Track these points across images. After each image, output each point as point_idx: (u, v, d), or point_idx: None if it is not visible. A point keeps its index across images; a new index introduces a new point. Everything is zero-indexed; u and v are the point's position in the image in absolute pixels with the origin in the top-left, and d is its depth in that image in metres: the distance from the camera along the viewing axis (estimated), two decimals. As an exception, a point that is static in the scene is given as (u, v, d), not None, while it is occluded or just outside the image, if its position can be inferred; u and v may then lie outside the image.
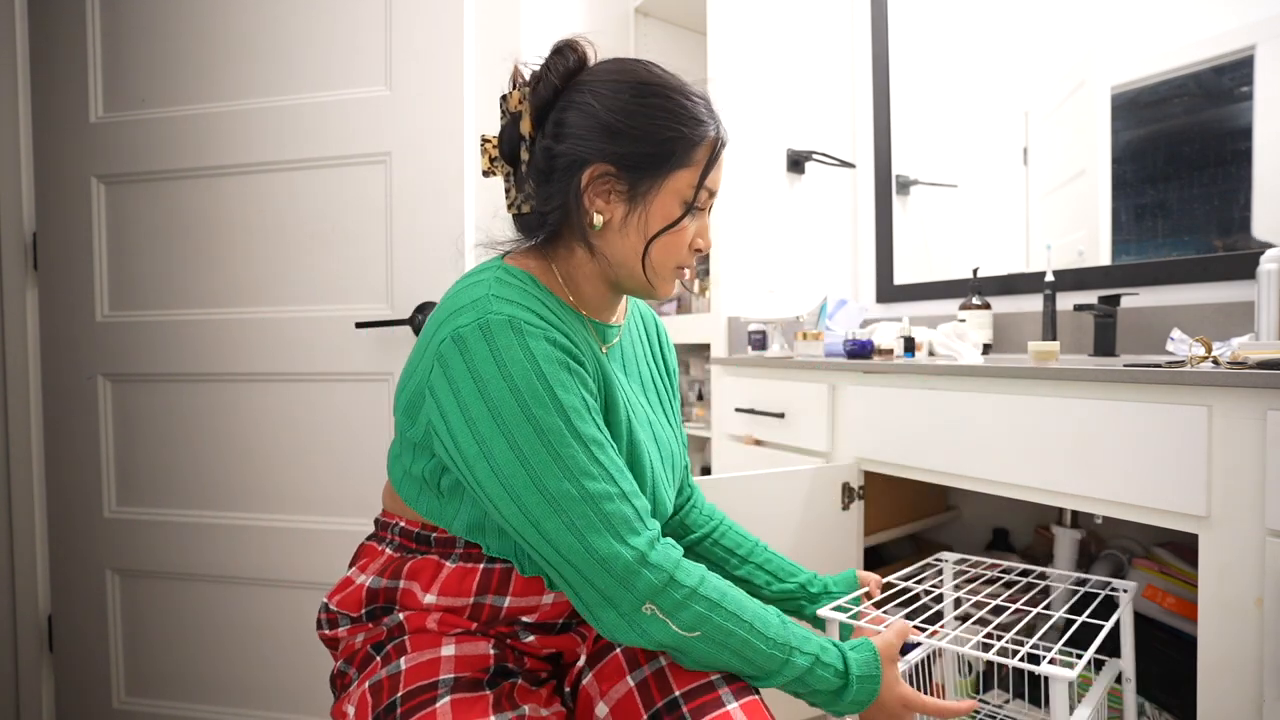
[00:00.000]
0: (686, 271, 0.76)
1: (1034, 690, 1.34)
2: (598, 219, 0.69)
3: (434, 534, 0.73)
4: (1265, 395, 0.77)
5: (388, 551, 0.75)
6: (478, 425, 0.61)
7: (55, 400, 1.50)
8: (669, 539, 0.66)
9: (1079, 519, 1.35)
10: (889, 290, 1.92)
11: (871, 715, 0.68)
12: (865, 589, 0.91)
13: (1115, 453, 0.90)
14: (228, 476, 1.42)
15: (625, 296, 0.82)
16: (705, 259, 2.01)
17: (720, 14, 1.79)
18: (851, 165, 1.97)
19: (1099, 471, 0.92)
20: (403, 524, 0.74)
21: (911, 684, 0.89)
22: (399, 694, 0.65)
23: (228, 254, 1.41)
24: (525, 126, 0.70)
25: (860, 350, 1.35)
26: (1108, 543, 1.35)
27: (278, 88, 1.38)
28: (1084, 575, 1.33)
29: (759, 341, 1.69)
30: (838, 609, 0.86)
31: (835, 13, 2.00)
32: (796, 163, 1.92)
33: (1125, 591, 0.94)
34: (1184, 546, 1.21)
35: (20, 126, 1.49)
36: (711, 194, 0.73)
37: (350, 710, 0.68)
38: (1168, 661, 1.06)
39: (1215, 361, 0.91)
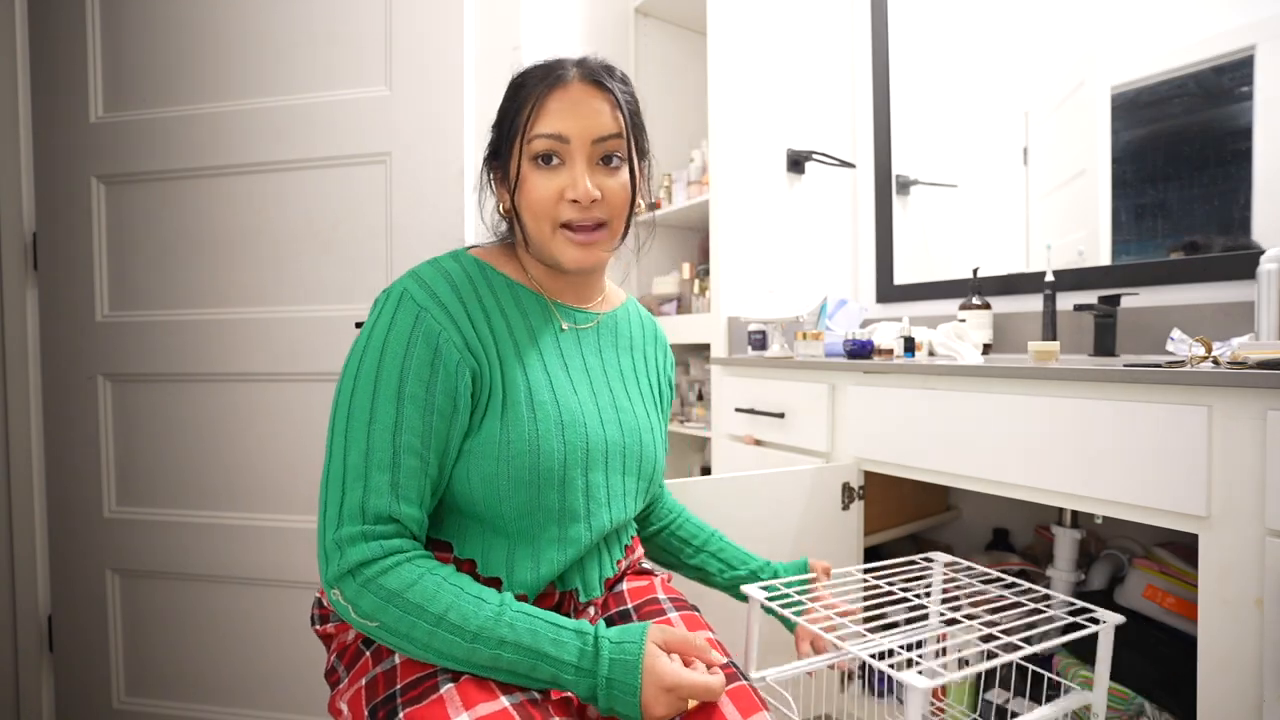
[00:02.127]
0: (575, 232, 0.72)
1: (1034, 690, 1.34)
2: (501, 206, 0.77)
3: (459, 560, 0.73)
4: (1265, 395, 0.77)
5: None
6: (342, 369, 0.69)
7: (55, 400, 1.50)
8: (403, 542, 0.64)
9: (1079, 519, 1.35)
10: (889, 290, 1.92)
11: (647, 702, 0.63)
12: (812, 575, 0.93)
13: (1115, 453, 0.90)
14: (228, 476, 1.42)
15: (607, 285, 0.87)
16: (705, 259, 2.01)
17: (720, 14, 1.79)
18: (851, 165, 1.97)
19: (1099, 471, 0.92)
20: None
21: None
22: (398, 685, 0.65)
23: (228, 254, 1.41)
24: None
25: (860, 350, 1.35)
26: (1108, 543, 1.35)
27: (278, 88, 1.38)
28: (1078, 594, 1.33)
29: (759, 341, 1.69)
30: (770, 592, 0.86)
31: (835, 13, 2.00)
32: (796, 163, 1.92)
33: (1105, 623, 0.86)
34: (1184, 546, 1.21)
35: (20, 126, 1.49)
36: (557, 139, 0.70)
37: (344, 707, 0.68)
38: (1168, 661, 1.06)
39: (1215, 361, 0.91)
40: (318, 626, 0.77)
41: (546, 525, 0.71)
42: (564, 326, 0.78)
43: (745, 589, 0.85)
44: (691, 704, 0.64)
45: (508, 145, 0.74)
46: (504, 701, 0.62)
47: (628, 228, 0.79)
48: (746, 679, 0.71)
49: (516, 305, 0.75)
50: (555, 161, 0.71)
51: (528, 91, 0.73)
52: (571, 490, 0.72)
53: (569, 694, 0.65)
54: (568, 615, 0.76)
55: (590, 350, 0.80)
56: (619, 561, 0.82)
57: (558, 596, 0.75)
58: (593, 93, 0.72)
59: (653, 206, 0.90)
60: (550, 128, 0.71)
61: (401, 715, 0.62)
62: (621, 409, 0.79)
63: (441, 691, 0.62)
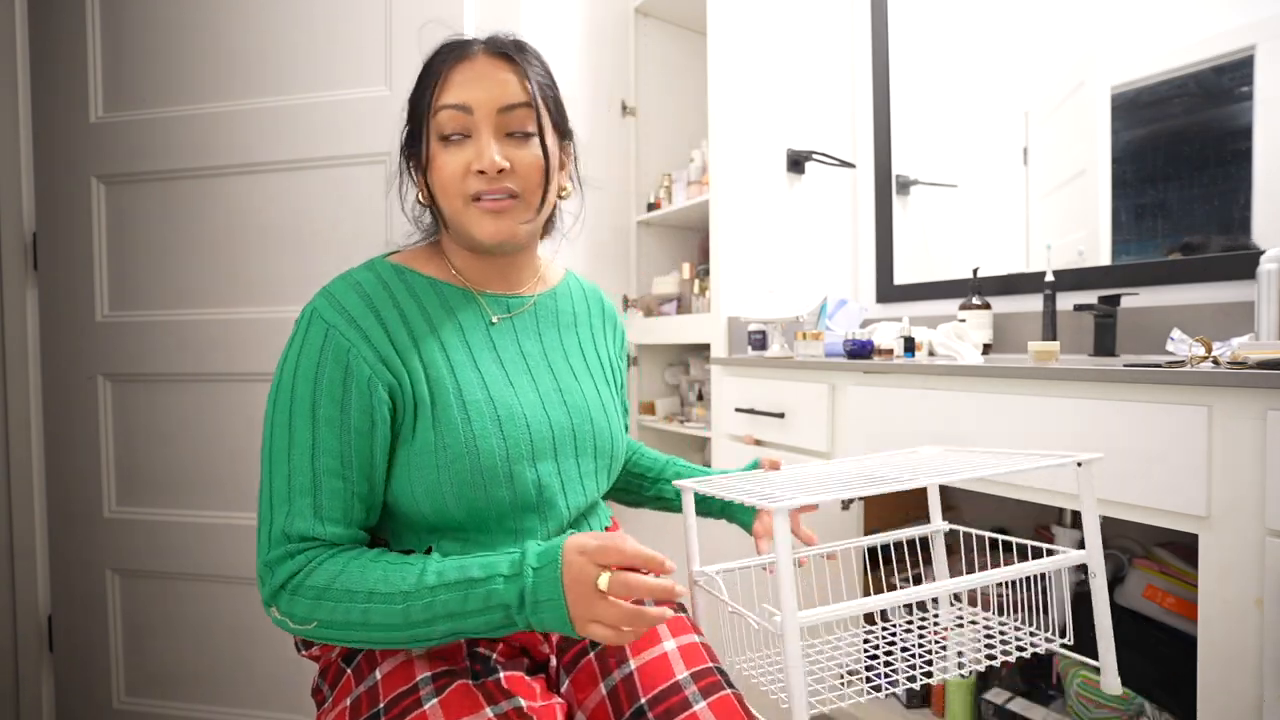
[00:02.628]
0: (485, 200, 0.70)
1: (1034, 689, 1.34)
2: (420, 196, 0.75)
3: (378, 542, 0.74)
4: (1265, 395, 0.77)
5: None
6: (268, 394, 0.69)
7: (55, 400, 1.50)
8: (316, 544, 0.64)
9: (1079, 519, 1.35)
10: (889, 290, 1.92)
11: (579, 608, 0.58)
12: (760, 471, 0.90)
13: (1115, 453, 0.90)
14: (228, 476, 1.42)
15: (541, 264, 0.83)
16: (705, 259, 2.01)
17: (720, 14, 1.79)
18: (851, 165, 1.97)
19: (1099, 471, 0.92)
20: None
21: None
22: (380, 704, 0.64)
23: (228, 254, 1.41)
24: None
25: (860, 350, 1.35)
26: (1108, 543, 1.35)
27: (278, 87, 1.38)
28: (1078, 594, 1.33)
29: (759, 341, 1.69)
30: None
31: (835, 13, 2.00)
32: (796, 163, 1.92)
33: (1081, 463, 0.72)
34: (1184, 546, 1.21)
35: (20, 126, 1.49)
36: (461, 109, 0.69)
37: None
38: (1168, 661, 1.06)
39: (1215, 361, 0.91)
40: (303, 652, 0.77)
41: (502, 520, 0.70)
42: (494, 320, 0.75)
43: (678, 482, 0.78)
44: (605, 581, 0.57)
45: (418, 129, 0.72)
46: (488, 713, 0.62)
47: (549, 208, 0.75)
48: (731, 687, 0.71)
49: (441, 304, 0.73)
50: (459, 138, 0.69)
51: (429, 73, 0.72)
52: (521, 484, 0.70)
53: (548, 704, 0.65)
54: None
55: (528, 336, 0.78)
56: None
57: None
58: (499, 64, 0.71)
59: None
60: (454, 98, 0.69)
61: None
62: (567, 391, 0.77)
63: (425, 708, 0.62)
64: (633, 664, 0.72)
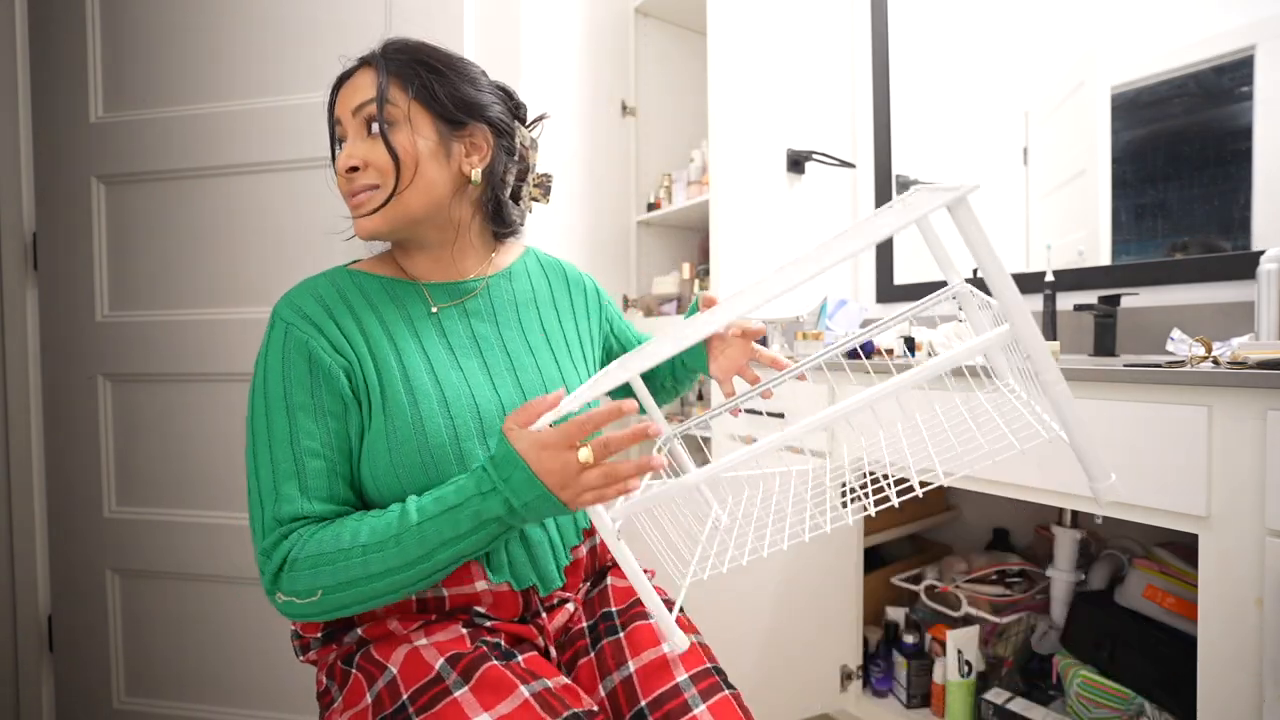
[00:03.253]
0: (352, 198, 0.74)
1: (1034, 689, 1.34)
2: None
3: None
4: (1265, 395, 0.77)
5: None
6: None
7: (55, 400, 1.50)
8: (303, 523, 0.66)
9: (1079, 519, 1.35)
10: (889, 290, 1.92)
11: (569, 491, 0.59)
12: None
13: (1115, 453, 0.90)
14: (228, 476, 1.42)
15: (487, 249, 0.83)
16: (705, 259, 2.01)
17: (720, 14, 1.79)
18: (851, 165, 1.97)
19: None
20: None
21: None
22: (404, 696, 0.64)
23: (228, 254, 1.41)
24: None
25: (860, 350, 1.35)
26: (1108, 543, 1.35)
27: (278, 88, 1.38)
28: (1078, 594, 1.33)
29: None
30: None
31: (835, 13, 2.00)
32: (796, 163, 1.91)
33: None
34: (1184, 546, 1.21)
35: (20, 126, 1.49)
36: (336, 122, 0.75)
37: None
38: (1168, 661, 1.07)
39: (1215, 361, 0.91)
40: (301, 657, 0.77)
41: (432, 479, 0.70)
42: (434, 309, 0.77)
43: (613, 373, 0.74)
44: (586, 454, 0.57)
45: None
46: (524, 692, 0.62)
47: (418, 193, 0.73)
48: (730, 688, 0.72)
49: (391, 300, 0.76)
50: (342, 141, 0.75)
51: (333, 88, 0.77)
52: (472, 461, 0.71)
53: (567, 683, 0.65)
54: (538, 621, 0.75)
55: (480, 318, 0.79)
56: (575, 548, 0.79)
57: (520, 599, 0.73)
58: (365, 70, 0.74)
59: (524, 177, 0.84)
60: (340, 109, 0.74)
61: None
62: (521, 368, 0.78)
63: (456, 695, 0.62)
64: (632, 666, 0.72)
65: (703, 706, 0.67)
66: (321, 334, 0.70)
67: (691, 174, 2.05)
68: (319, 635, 0.74)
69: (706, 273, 1.97)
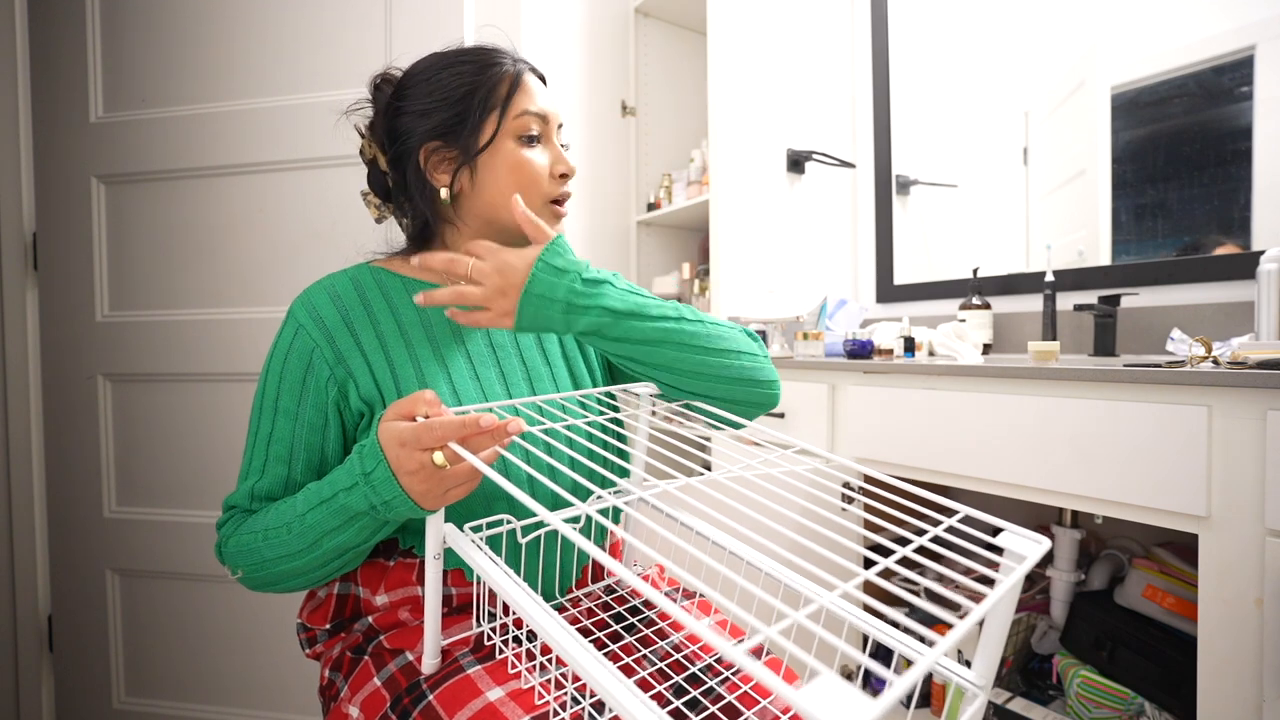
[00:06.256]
0: (561, 206, 0.78)
1: (1034, 689, 1.34)
2: (444, 192, 0.75)
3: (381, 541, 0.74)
4: (1265, 395, 0.77)
5: None
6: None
7: (55, 400, 1.50)
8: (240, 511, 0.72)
9: (1079, 519, 1.35)
10: (889, 290, 1.92)
11: (429, 497, 0.58)
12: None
13: (1115, 453, 0.90)
14: (227, 477, 1.42)
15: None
16: (705, 259, 2.01)
17: (720, 14, 1.79)
18: (851, 165, 1.97)
19: (1099, 471, 0.92)
20: None
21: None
22: (420, 675, 0.65)
23: (228, 254, 1.41)
24: (381, 163, 0.79)
25: (860, 350, 1.35)
26: (1108, 543, 1.35)
27: (278, 87, 1.38)
28: (1079, 594, 1.33)
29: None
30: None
31: (835, 13, 2.00)
32: (796, 163, 1.92)
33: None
34: (1184, 546, 1.21)
35: (20, 126, 1.49)
36: (542, 118, 0.75)
37: (354, 711, 0.67)
38: (1168, 661, 1.07)
39: (1215, 361, 0.91)
40: (307, 651, 0.77)
41: (472, 508, 0.71)
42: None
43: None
44: (441, 458, 0.56)
45: (470, 123, 0.73)
46: (533, 680, 0.63)
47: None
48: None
49: (412, 303, 0.76)
50: (527, 134, 0.75)
51: (498, 73, 0.75)
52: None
53: None
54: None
55: (480, 332, 0.79)
56: (585, 566, 0.79)
57: None
58: (538, 81, 0.78)
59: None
60: (538, 108, 0.75)
61: (431, 697, 0.61)
62: (538, 377, 0.79)
63: (469, 672, 0.63)
64: (676, 637, 0.72)
65: (759, 662, 0.68)
66: (330, 342, 0.71)
67: (691, 174, 2.05)
68: (327, 627, 0.74)
69: (706, 273, 1.97)
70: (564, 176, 0.77)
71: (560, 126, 0.78)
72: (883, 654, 1.46)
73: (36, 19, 1.48)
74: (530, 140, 0.75)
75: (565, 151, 0.78)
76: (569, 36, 2.02)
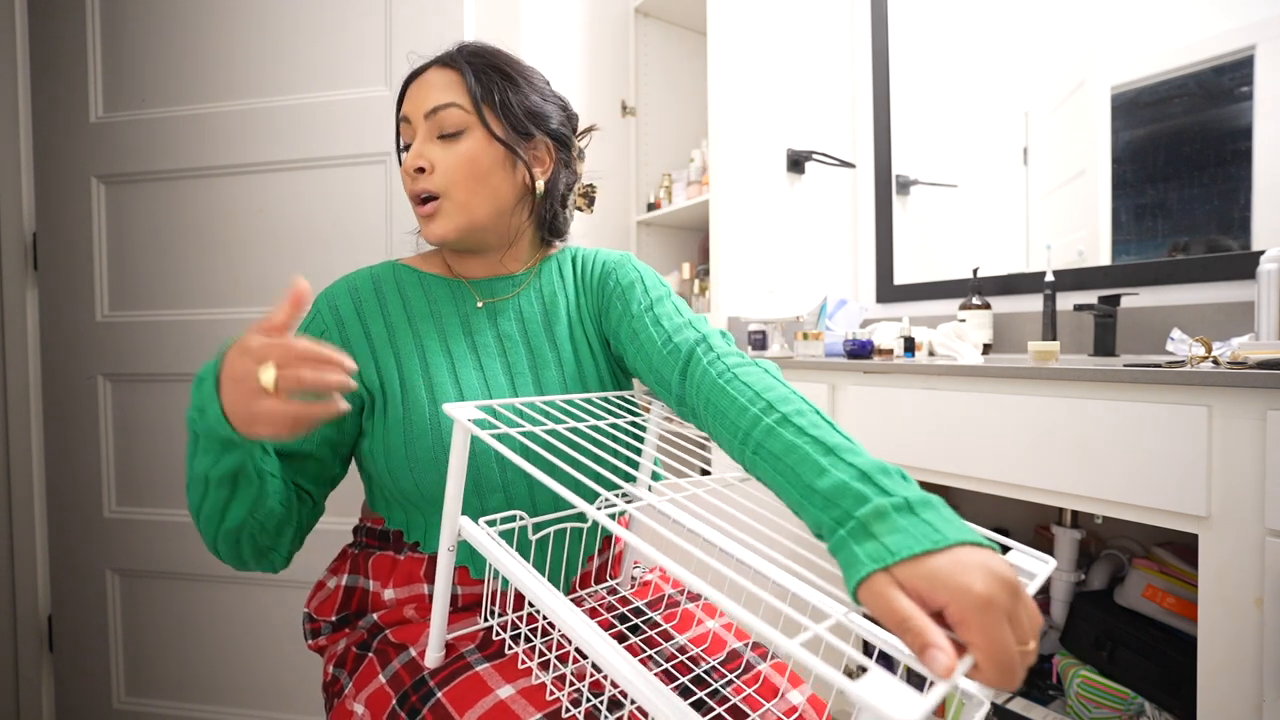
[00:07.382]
0: (418, 202, 0.75)
1: (1034, 689, 1.34)
2: None
3: (391, 531, 0.76)
4: (1265, 395, 0.77)
5: (354, 552, 0.79)
6: None
7: (55, 400, 1.50)
8: None
9: (1079, 519, 1.35)
10: (889, 290, 1.92)
11: (239, 408, 0.53)
12: None
13: (1115, 453, 0.90)
14: (228, 476, 1.42)
15: (534, 254, 0.85)
16: (705, 259, 2.01)
17: (720, 14, 1.79)
18: (851, 165, 1.97)
19: (1099, 471, 0.92)
20: (367, 524, 0.79)
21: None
22: (425, 671, 0.65)
23: (228, 254, 1.41)
24: None
25: (860, 350, 1.35)
26: (1108, 543, 1.35)
27: (278, 88, 1.38)
28: (1079, 594, 1.33)
29: (759, 341, 1.69)
30: None
31: (835, 13, 2.00)
32: (796, 163, 1.92)
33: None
34: (1184, 546, 1.21)
35: (20, 126, 1.48)
36: (406, 120, 0.76)
37: (359, 709, 0.67)
38: (1168, 661, 1.07)
39: (1215, 361, 0.91)
40: (309, 642, 0.77)
41: (467, 498, 0.71)
42: (479, 304, 0.79)
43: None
44: (269, 379, 0.52)
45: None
46: (544, 677, 0.63)
47: (494, 202, 0.75)
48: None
49: (425, 297, 0.78)
50: (407, 147, 0.76)
51: (399, 88, 0.79)
52: (483, 460, 0.71)
53: (597, 679, 0.64)
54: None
55: (509, 318, 0.80)
56: (590, 558, 0.78)
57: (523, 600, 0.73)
58: (440, 71, 0.75)
59: (575, 193, 0.88)
60: (409, 112, 0.76)
61: (440, 695, 0.61)
62: (544, 365, 0.78)
63: (478, 669, 0.63)
64: (681, 639, 0.72)
65: (765, 664, 0.69)
66: (339, 328, 0.75)
67: (691, 174, 2.05)
68: (332, 619, 0.75)
69: (706, 273, 1.97)
70: (419, 171, 0.73)
71: (433, 112, 0.73)
72: (883, 661, 1.46)
73: (36, 19, 1.47)
74: (408, 146, 0.76)
75: (445, 142, 0.73)
76: (569, 36, 2.02)
